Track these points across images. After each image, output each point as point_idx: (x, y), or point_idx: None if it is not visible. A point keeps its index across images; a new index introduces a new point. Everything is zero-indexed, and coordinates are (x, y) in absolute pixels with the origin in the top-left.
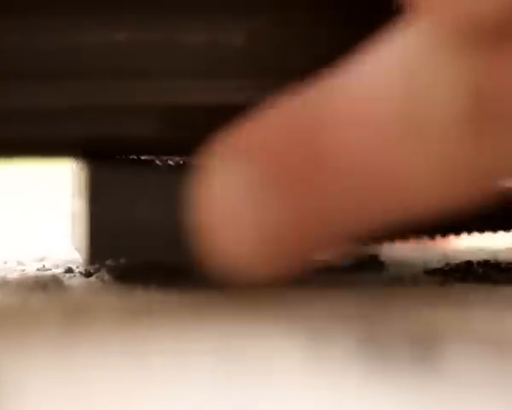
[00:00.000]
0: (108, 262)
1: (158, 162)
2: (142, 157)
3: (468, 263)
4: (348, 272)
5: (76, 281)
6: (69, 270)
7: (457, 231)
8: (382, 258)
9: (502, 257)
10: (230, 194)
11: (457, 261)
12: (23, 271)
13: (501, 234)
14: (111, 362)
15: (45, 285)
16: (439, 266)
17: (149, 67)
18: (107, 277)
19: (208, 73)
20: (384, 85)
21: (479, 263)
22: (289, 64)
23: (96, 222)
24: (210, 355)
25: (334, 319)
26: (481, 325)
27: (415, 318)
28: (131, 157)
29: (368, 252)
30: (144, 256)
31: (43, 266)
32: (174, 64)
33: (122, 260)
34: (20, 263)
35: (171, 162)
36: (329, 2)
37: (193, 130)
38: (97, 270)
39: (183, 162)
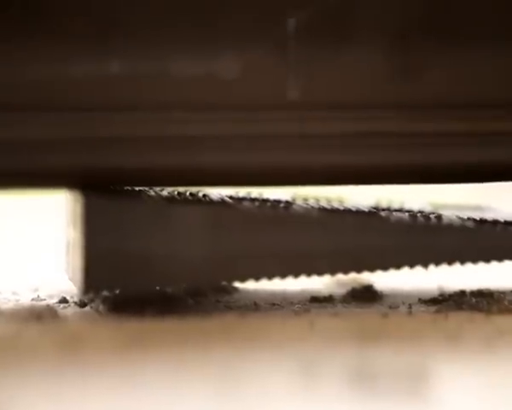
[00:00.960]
0: (103, 293)
1: (151, 193)
2: (137, 188)
3: (462, 293)
4: (342, 302)
5: (70, 311)
6: (64, 300)
7: (450, 262)
8: (377, 288)
9: (494, 287)
10: None
11: (451, 291)
12: (17, 301)
13: (494, 264)
14: (106, 392)
15: (40, 315)
16: (434, 296)
17: (143, 98)
18: (101, 307)
19: (203, 104)
20: None
21: (472, 293)
22: (283, 96)
23: (91, 252)
24: (204, 385)
25: (327, 351)
26: (474, 355)
27: (408, 349)
28: (126, 188)
29: (362, 282)
30: (139, 286)
31: (38, 297)
32: (167, 95)
33: (117, 291)
34: (14, 293)
35: (164, 193)
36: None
37: (186, 160)
38: (92, 300)
39: (177, 193)
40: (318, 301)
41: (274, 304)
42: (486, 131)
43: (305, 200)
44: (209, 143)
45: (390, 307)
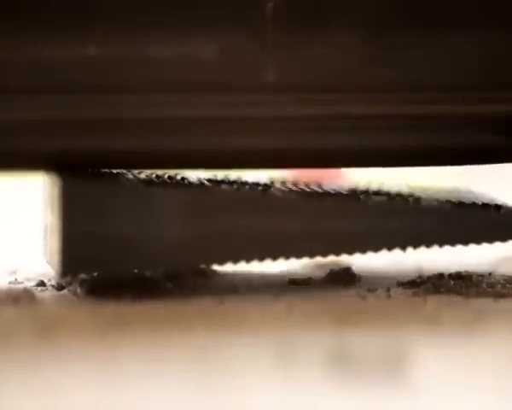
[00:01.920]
0: (80, 276)
1: (130, 176)
2: (115, 170)
3: (440, 275)
4: (321, 285)
5: (48, 294)
6: (41, 283)
7: (429, 245)
8: (355, 270)
9: (472, 270)
10: None
11: (429, 274)
12: None
13: (472, 248)
14: (83, 375)
15: (17, 298)
16: (412, 279)
17: (120, 81)
18: (79, 290)
19: (180, 86)
20: None
21: (450, 275)
22: (261, 78)
23: (68, 235)
24: (183, 368)
25: (305, 333)
26: (452, 338)
27: (386, 332)
28: (104, 171)
29: (341, 265)
30: (117, 269)
31: (15, 280)
32: (146, 78)
33: (94, 274)
34: None
35: (142, 176)
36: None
37: (164, 142)
38: (69, 283)
39: (155, 176)
40: (297, 283)
41: (252, 287)
42: (461, 115)
43: (284, 183)
44: (186, 125)
45: (368, 290)
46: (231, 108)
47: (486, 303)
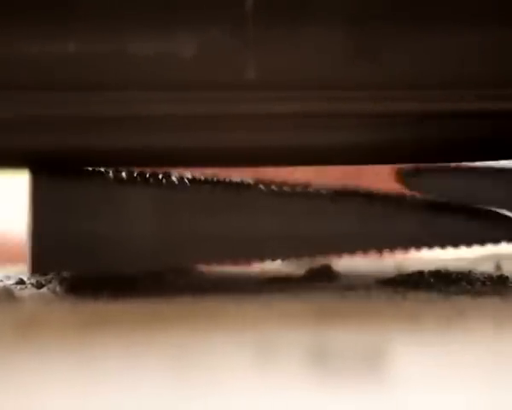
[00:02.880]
0: (60, 274)
1: (105, 174)
2: (90, 168)
3: (420, 273)
4: (300, 283)
5: (27, 292)
6: (21, 281)
7: (406, 247)
8: (335, 268)
9: (452, 267)
10: None
11: (409, 271)
12: None
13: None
14: (62, 374)
15: None
16: (392, 276)
17: (99, 78)
18: (58, 288)
19: (161, 83)
20: None
21: (430, 273)
22: (242, 75)
23: (40, 233)
24: (161, 367)
25: (285, 331)
26: (432, 335)
27: (366, 330)
28: (78, 168)
29: (321, 262)
30: (88, 268)
31: None
32: (124, 75)
33: (68, 272)
34: None
35: (117, 174)
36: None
37: (143, 140)
38: (49, 281)
39: (130, 174)
40: (276, 281)
41: (231, 285)
42: (446, 112)
43: (261, 182)
44: (166, 122)
45: (348, 288)
46: (212, 106)
47: (466, 301)
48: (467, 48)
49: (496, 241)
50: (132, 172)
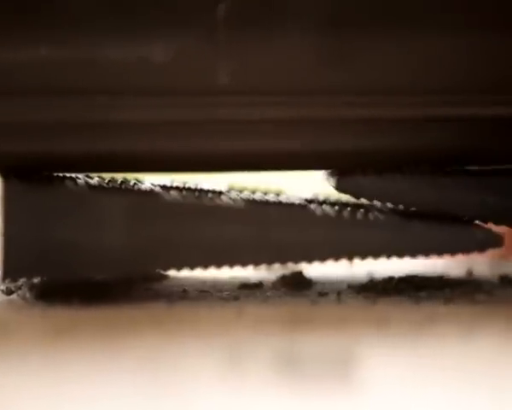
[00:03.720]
0: (25, 280)
1: (77, 180)
2: (62, 174)
3: (391, 279)
4: (272, 289)
5: None
6: None
7: (376, 256)
8: (307, 274)
9: (423, 273)
10: None
11: (380, 277)
12: None
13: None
14: (33, 378)
15: None
16: (363, 282)
17: (71, 83)
18: (28, 295)
19: (133, 89)
20: None
21: (401, 279)
22: (214, 81)
23: (10, 239)
24: (132, 374)
25: (256, 337)
26: (403, 341)
27: (337, 335)
28: (51, 174)
29: (293, 269)
30: (60, 275)
31: None
32: (96, 80)
33: (42, 279)
34: None
35: (89, 180)
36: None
37: (115, 146)
38: (18, 288)
39: (102, 180)
40: (248, 287)
41: (203, 291)
42: (420, 117)
43: (234, 190)
44: (139, 128)
45: (319, 294)
46: (184, 111)
47: (436, 306)
48: (443, 53)
49: (467, 251)
50: (104, 179)
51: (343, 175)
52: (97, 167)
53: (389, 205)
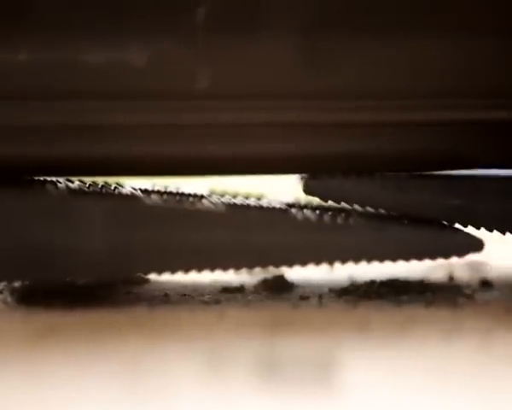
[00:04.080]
0: (5, 284)
1: (58, 184)
2: (43, 178)
3: (372, 283)
4: (254, 293)
5: None
6: None
7: (356, 260)
8: (288, 278)
9: (404, 277)
10: None
11: (361, 281)
12: None
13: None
14: (14, 381)
15: None
16: (344, 286)
17: (51, 87)
18: (9, 298)
19: (113, 93)
20: None
21: (382, 283)
22: (193, 85)
23: None
24: (114, 377)
25: (237, 341)
26: (383, 343)
27: (318, 338)
28: (31, 178)
29: (274, 272)
30: (42, 279)
31: None
32: (76, 84)
33: (23, 283)
34: None
35: (70, 184)
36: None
37: (95, 150)
38: (0, 292)
39: (83, 184)
40: (229, 291)
41: (184, 295)
42: (394, 122)
43: (215, 194)
44: (118, 132)
45: (301, 298)
46: (163, 115)
47: (417, 309)
48: (422, 58)
49: (446, 255)
50: (84, 183)
51: (310, 178)
52: (76, 171)
53: (369, 209)
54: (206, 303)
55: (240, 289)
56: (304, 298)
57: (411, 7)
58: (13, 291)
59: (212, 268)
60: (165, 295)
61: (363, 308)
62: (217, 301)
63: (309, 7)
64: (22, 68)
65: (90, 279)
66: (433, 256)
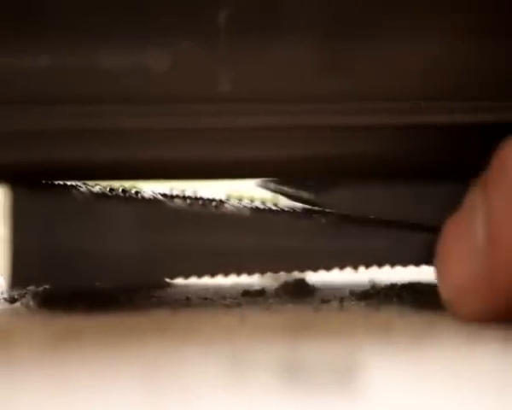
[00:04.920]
0: (33, 288)
1: (83, 188)
2: (67, 183)
3: (393, 286)
4: (275, 296)
5: (0, 307)
6: None
7: (380, 264)
8: (309, 281)
9: (425, 280)
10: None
11: (383, 284)
12: None
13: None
14: (36, 386)
15: None
16: (365, 289)
17: (73, 91)
18: (31, 303)
19: (134, 97)
20: None
21: (403, 286)
22: (215, 88)
23: (18, 248)
24: (136, 381)
25: (258, 345)
26: (403, 346)
27: (339, 343)
28: (57, 183)
29: (295, 276)
30: (66, 283)
31: None
32: (99, 89)
33: (45, 287)
34: None
35: (96, 188)
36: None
37: (117, 154)
38: (22, 296)
39: (109, 189)
40: (250, 295)
41: (206, 298)
42: (416, 124)
43: (239, 199)
44: (141, 136)
45: (322, 301)
46: (186, 119)
47: (438, 314)
48: (441, 60)
49: None
50: (105, 187)
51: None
52: (104, 175)
53: (388, 216)
54: (227, 307)
55: (261, 293)
56: (325, 301)
57: (425, 9)
58: (35, 295)
59: (238, 272)
60: (187, 298)
61: (385, 311)
62: (238, 305)
63: (331, 9)
64: (44, 73)
65: (118, 284)
66: None
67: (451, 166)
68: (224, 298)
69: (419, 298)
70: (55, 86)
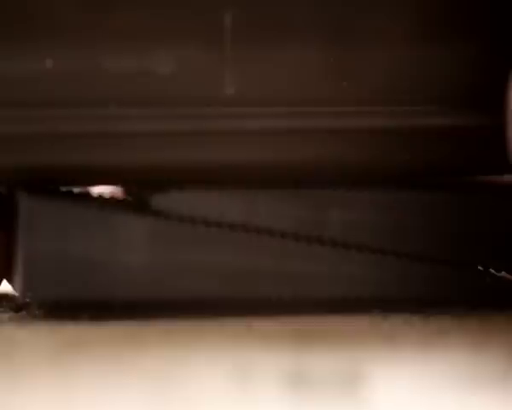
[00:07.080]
0: (39, 296)
1: (95, 195)
2: (80, 189)
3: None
4: (280, 305)
5: (5, 315)
6: None
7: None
8: None
9: None
10: None
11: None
12: None
13: None
14: (41, 395)
15: None
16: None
17: (79, 95)
18: (37, 311)
19: (140, 100)
20: None
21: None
22: (220, 91)
23: (28, 255)
24: (140, 389)
25: (264, 353)
26: (410, 355)
27: (345, 352)
28: (68, 189)
29: None
30: (78, 292)
31: None
32: (104, 92)
33: (53, 295)
34: None
35: (109, 196)
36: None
37: (125, 158)
38: (27, 304)
39: (121, 195)
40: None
41: (211, 306)
42: (420, 128)
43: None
44: (146, 140)
45: (328, 309)
46: (191, 121)
47: (445, 322)
48: (448, 64)
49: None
50: (127, 197)
51: (156, 191)
52: (106, 179)
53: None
54: (233, 315)
55: (266, 298)
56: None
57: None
58: (40, 304)
59: (253, 295)
60: (191, 306)
61: (390, 320)
62: (244, 313)
63: (337, 13)
64: (48, 77)
65: (131, 296)
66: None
67: (452, 171)
68: (230, 306)
69: (425, 306)
70: (61, 90)
